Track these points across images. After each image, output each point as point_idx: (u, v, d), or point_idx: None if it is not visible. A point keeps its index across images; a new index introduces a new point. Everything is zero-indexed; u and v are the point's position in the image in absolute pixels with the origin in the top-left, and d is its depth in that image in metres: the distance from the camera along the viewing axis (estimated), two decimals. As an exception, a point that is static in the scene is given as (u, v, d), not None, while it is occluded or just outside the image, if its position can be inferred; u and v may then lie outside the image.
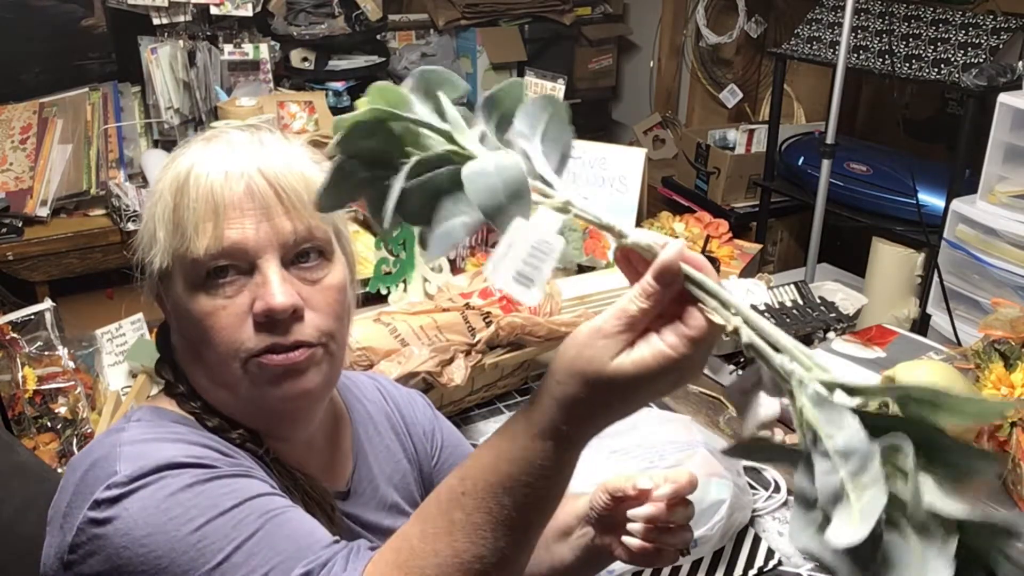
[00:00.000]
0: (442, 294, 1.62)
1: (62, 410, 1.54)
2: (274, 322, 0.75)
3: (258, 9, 2.88)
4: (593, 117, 4.20)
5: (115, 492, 0.69)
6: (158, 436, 0.75)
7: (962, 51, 2.46)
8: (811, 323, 1.62)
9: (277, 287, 0.75)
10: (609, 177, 2.08)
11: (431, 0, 3.70)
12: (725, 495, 1.18)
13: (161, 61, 2.80)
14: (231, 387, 0.78)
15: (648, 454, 1.21)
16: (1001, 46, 2.40)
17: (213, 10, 2.83)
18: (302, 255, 0.78)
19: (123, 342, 1.70)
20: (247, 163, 0.76)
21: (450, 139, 0.58)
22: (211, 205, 0.74)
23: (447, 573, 0.61)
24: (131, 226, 2.67)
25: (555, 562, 0.96)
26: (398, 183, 0.57)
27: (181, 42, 2.84)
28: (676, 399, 1.57)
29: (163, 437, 0.75)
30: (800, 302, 1.69)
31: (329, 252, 0.80)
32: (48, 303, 1.65)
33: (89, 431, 1.51)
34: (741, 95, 3.66)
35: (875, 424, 0.52)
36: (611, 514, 0.89)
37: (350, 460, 0.92)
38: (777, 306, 1.65)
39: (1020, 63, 2.35)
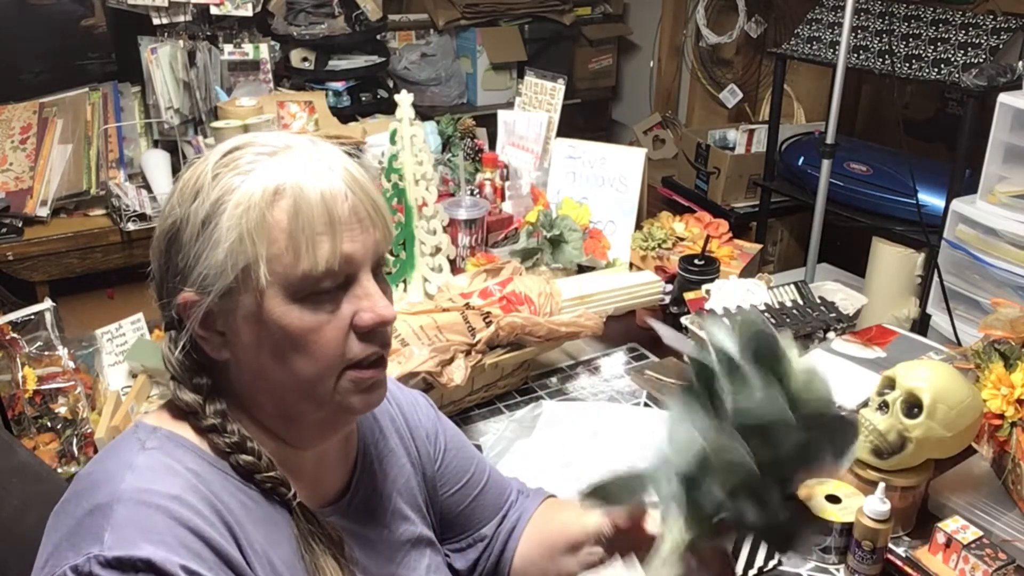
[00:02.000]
0: (442, 294, 1.62)
1: (62, 410, 1.54)
2: (375, 332, 0.78)
3: (258, 9, 2.88)
4: (593, 117, 4.20)
5: (94, 571, 0.69)
6: (159, 497, 0.73)
7: (962, 51, 2.46)
8: (811, 323, 1.62)
9: (381, 298, 0.78)
10: (609, 177, 2.08)
11: (431, 0, 3.70)
12: (725, 495, 1.18)
13: (161, 61, 2.80)
14: (318, 400, 0.79)
15: (648, 454, 1.20)
16: (1001, 46, 2.40)
17: (213, 10, 2.83)
18: (379, 265, 0.80)
19: (123, 342, 1.70)
20: (343, 174, 0.77)
21: None
22: (326, 219, 0.74)
23: None
24: (131, 226, 2.67)
25: (561, 574, 0.96)
26: None
27: (181, 42, 2.84)
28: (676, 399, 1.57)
29: (164, 499, 0.73)
30: (800, 302, 1.69)
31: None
32: (48, 303, 1.65)
33: (89, 431, 1.51)
34: (741, 95, 3.66)
35: None
36: (620, 539, 0.89)
37: (353, 465, 0.92)
38: (777, 306, 1.65)
39: (1020, 63, 2.35)
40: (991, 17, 2.47)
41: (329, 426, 0.84)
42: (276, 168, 0.75)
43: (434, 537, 0.99)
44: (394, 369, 1.36)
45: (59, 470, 1.43)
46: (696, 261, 1.80)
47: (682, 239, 2.02)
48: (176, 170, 2.84)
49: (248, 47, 2.90)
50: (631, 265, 2.01)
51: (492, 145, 2.45)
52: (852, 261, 2.85)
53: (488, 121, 2.59)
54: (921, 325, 2.43)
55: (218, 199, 0.74)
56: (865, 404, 1.30)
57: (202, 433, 0.80)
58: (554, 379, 1.67)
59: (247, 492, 0.79)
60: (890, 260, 2.60)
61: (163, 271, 0.79)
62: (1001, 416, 1.23)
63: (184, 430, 0.80)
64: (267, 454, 0.81)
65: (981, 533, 1.15)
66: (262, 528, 0.79)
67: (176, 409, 0.81)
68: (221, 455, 0.79)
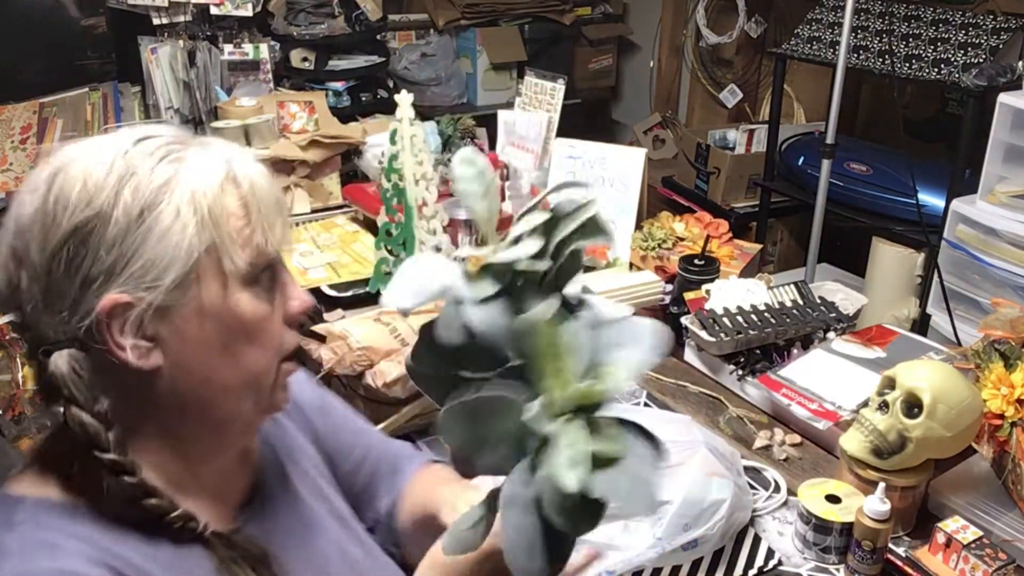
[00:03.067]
0: (442, 294, 1.62)
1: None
2: (299, 322, 0.78)
3: (258, 9, 2.88)
4: (593, 117, 4.20)
5: None
6: None
7: (962, 51, 2.46)
8: (811, 323, 1.62)
9: (298, 286, 0.78)
10: (609, 177, 2.08)
11: (431, 0, 3.70)
12: (725, 495, 1.18)
13: (161, 61, 2.80)
14: (258, 395, 0.75)
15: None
16: (1001, 46, 2.40)
17: (213, 10, 2.83)
18: None
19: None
20: (257, 167, 0.76)
21: None
22: (274, 201, 0.74)
23: None
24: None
25: None
26: None
27: (181, 42, 2.84)
28: (676, 399, 1.57)
29: None
30: (800, 302, 1.69)
31: None
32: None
33: (89, 431, 1.51)
34: (741, 95, 3.66)
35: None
36: None
37: (257, 461, 0.88)
38: (777, 306, 1.65)
39: (1020, 63, 2.35)
40: (991, 17, 2.47)
41: (252, 428, 0.81)
42: (215, 155, 0.72)
43: (352, 509, 0.95)
44: (394, 369, 1.36)
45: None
46: (696, 261, 1.80)
47: (682, 239, 2.02)
48: (176, 170, 2.84)
49: (248, 47, 2.90)
50: (631, 265, 2.01)
51: (492, 145, 2.45)
52: (852, 261, 2.85)
53: (488, 121, 2.59)
54: (921, 325, 2.43)
55: (159, 187, 0.69)
56: (865, 404, 1.30)
57: (79, 484, 0.70)
58: (554, 379, 1.67)
59: (150, 541, 0.71)
60: (890, 260, 2.60)
61: (58, 281, 0.68)
62: (1001, 416, 1.23)
63: (53, 492, 0.71)
64: (163, 487, 0.72)
65: (981, 533, 1.15)
66: (180, 566, 0.72)
67: (41, 468, 0.72)
68: (114, 504, 0.70)
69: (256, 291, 0.73)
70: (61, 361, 0.68)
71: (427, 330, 0.60)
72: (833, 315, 1.65)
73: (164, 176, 0.69)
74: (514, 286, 0.58)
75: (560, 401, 0.55)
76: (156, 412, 0.73)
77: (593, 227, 0.59)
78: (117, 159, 0.69)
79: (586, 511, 0.56)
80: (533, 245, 0.57)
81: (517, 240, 0.59)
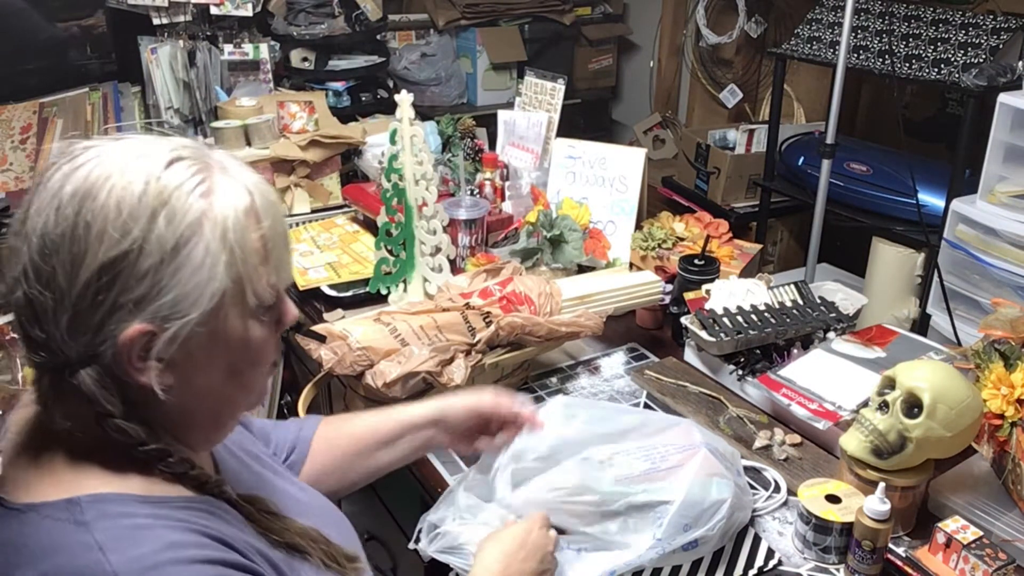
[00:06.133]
0: (442, 294, 1.62)
1: (62, 410, 1.54)
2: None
3: (258, 9, 2.88)
4: (593, 117, 4.20)
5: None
6: (157, 555, 0.68)
7: (962, 51, 2.46)
8: (811, 323, 1.62)
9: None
10: (609, 177, 2.08)
11: (431, 0, 3.70)
12: (726, 495, 1.18)
13: (161, 61, 2.80)
14: (251, 403, 0.83)
15: (650, 454, 1.21)
16: (1001, 46, 2.40)
17: (213, 10, 2.83)
18: None
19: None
20: (273, 195, 0.82)
21: None
22: (286, 238, 0.79)
23: None
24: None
25: (379, 465, 1.14)
26: None
27: (181, 42, 2.84)
28: (676, 399, 1.57)
29: (164, 554, 0.69)
30: (800, 302, 1.69)
31: None
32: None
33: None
34: (741, 95, 3.66)
35: None
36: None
37: None
38: (777, 306, 1.65)
39: (1020, 63, 2.35)
40: (991, 17, 2.47)
41: (230, 428, 0.87)
42: (239, 186, 0.74)
43: None
44: (394, 369, 1.36)
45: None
46: (696, 261, 1.80)
47: (682, 239, 2.02)
48: (176, 170, 2.84)
49: (248, 47, 2.90)
50: (631, 265, 2.01)
51: (492, 145, 2.45)
52: (852, 261, 2.85)
53: (488, 121, 2.59)
54: (921, 325, 2.43)
55: (192, 223, 0.70)
56: (865, 404, 1.30)
57: (127, 471, 0.74)
58: (554, 379, 1.67)
59: (198, 505, 0.76)
60: (890, 260, 2.60)
61: (86, 309, 0.69)
62: (1001, 416, 1.23)
63: (105, 484, 0.73)
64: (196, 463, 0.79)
65: (981, 533, 1.15)
66: (231, 529, 0.78)
67: (76, 469, 0.74)
68: (171, 480, 0.76)
69: (264, 319, 0.77)
70: (88, 379, 0.70)
71: None
72: (833, 315, 1.65)
73: (198, 211, 0.70)
74: None
75: None
76: (166, 415, 0.76)
77: None
78: (151, 184, 0.70)
79: None
80: None
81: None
